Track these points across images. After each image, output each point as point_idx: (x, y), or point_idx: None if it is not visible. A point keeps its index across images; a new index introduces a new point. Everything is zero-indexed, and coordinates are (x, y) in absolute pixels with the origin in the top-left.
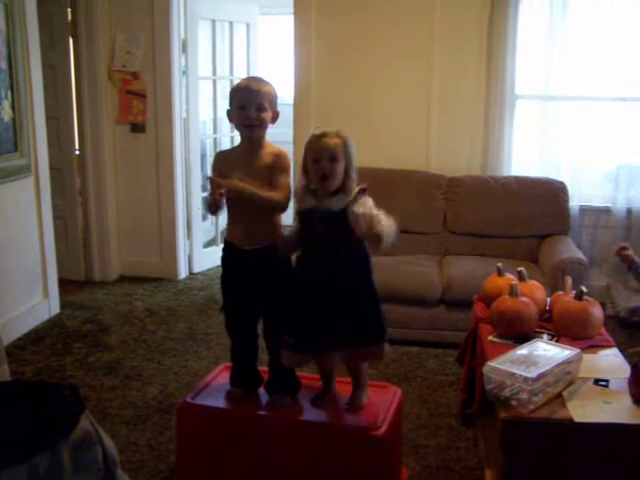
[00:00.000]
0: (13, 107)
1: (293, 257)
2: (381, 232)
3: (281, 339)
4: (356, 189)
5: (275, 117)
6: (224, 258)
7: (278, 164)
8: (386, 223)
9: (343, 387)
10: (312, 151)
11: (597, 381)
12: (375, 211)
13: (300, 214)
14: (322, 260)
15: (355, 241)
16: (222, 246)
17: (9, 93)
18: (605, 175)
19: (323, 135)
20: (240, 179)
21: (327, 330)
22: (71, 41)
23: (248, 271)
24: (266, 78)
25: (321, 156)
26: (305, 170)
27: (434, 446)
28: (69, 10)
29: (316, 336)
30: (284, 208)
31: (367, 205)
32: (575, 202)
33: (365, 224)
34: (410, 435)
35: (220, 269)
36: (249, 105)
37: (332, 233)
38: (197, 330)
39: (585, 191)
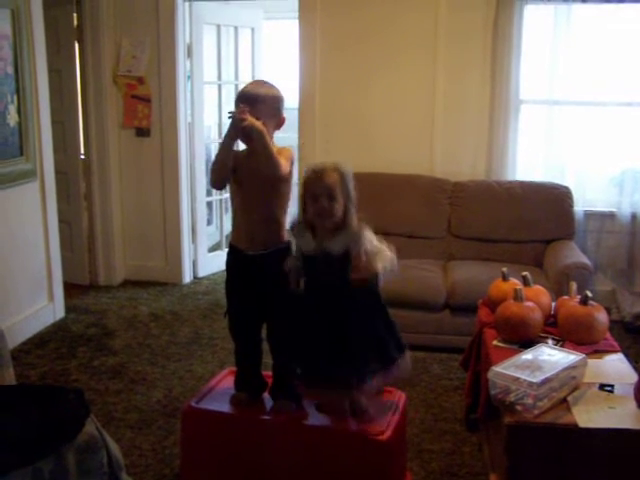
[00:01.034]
0: (19, 111)
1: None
2: (378, 271)
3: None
4: (356, 227)
5: (280, 123)
6: (229, 262)
7: (281, 152)
8: (383, 259)
9: None
10: (310, 188)
11: (602, 386)
12: (376, 243)
13: (302, 255)
14: (327, 297)
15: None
16: (227, 250)
17: (15, 97)
18: (610, 180)
19: (321, 171)
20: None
21: (357, 369)
22: (77, 46)
23: (253, 275)
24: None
25: (319, 194)
26: (304, 205)
27: (439, 451)
28: (75, 15)
29: (349, 376)
30: (277, 171)
31: (368, 241)
32: (580, 207)
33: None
34: (414, 440)
35: (225, 273)
36: (253, 112)
37: (336, 272)
38: (202, 334)
39: (590, 196)
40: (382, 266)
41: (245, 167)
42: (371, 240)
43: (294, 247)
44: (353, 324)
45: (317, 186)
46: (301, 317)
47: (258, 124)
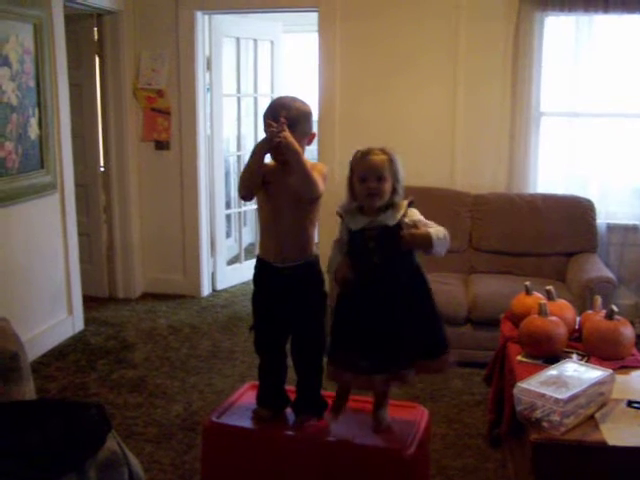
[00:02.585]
0: (40, 125)
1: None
2: (430, 234)
3: (349, 364)
4: (405, 203)
5: (312, 139)
6: (256, 276)
7: (314, 168)
8: (436, 228)
9: (358, 405)
10: (359, 170)
11: (631, 403)
12: (424, 220)
13: (351, 234)
14: (379, 279)
15: (409, 255)
16: (246, 263)
17: (36, 111)
18: (632, 192)
19: (369, 152)
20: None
21: (401, 349)
22: (97, 60)
23: (281, 289)
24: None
25: (368, 175)
26: (351, 188)
27: (461, 467)
28: (95, 29)
29: (392, 357)
30: (315, 193)
31: (418, 215)
32: (602, 219)
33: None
34: (436, 456)
35: (244, 286)
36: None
37: (387, 248)
38: (221, 348)
39: (612, 209)
40: (435, 232)
41: (278, 181)
42: (421, 216)
43: (340, 229)
44: (403, 306)
45: (365, 167)
46: (356, 312)
47: (294, 143)
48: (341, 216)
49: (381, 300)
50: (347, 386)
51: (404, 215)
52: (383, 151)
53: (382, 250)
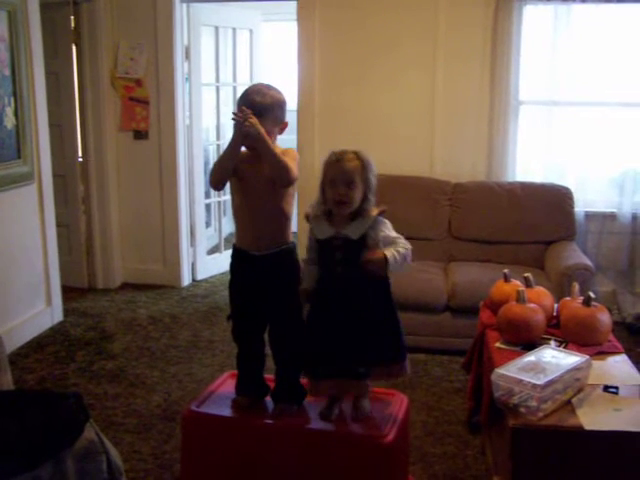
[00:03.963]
0: (16, 114)
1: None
2: (387, 259)
3: (307, 370)
4: (374, 213)
5: (284, 127)
6: (233, 264)
7: (286, 154)
8: (393, 250)
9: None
10: (330, 173)
11: (607, 388)
12: (394, 234)
13: (318, 242)
14: (343, 288)
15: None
16: (226, 253)
17: (12, 100)
18: (610, 181)
19: (342, 157)
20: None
21: (358, 358)
22: (74, 48)
23: (258, 277)
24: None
25: (338, 180)
26: (323, 190)
27: (441, 454)
28: (72, 17)
29: (348, 364)
30: (288, 178)
31: (385, 228)
32: (580, 208)
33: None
34: (416, 443)
35: (224, 276)
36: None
37: (352, 260)
38: (201, 337)
39: (590, 197)
40: (392, 254)
41: (250, 169)
42: (389, 230)
43: (309, 235)
44: (368, 311)
45: (336, 172)
46: (317, 311)
47: (262, 131)
48: (309, 221)
49: (342, 308)
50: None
51: (371, 227)
52: (357, 156)
53: (346, 261)
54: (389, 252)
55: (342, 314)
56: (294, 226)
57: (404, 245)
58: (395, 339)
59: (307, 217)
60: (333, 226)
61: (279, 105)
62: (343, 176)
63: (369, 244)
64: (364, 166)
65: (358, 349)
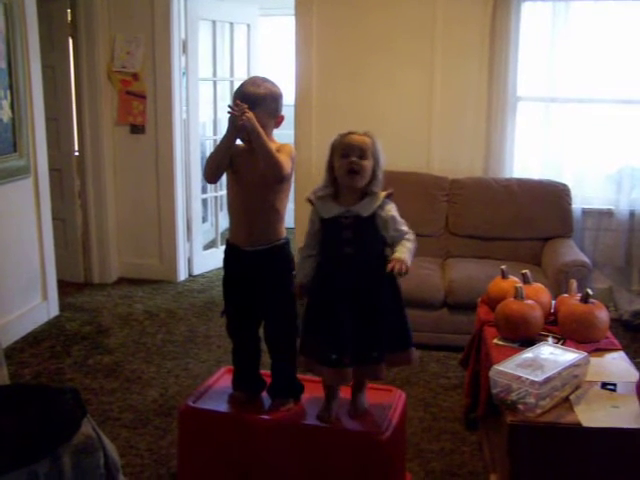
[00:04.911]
0: (12, 107)
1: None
2: (406, 261)
3: (320, 358)
4: (382, 194)
5: (279, 121)
6: (226, 260)
7: (281, 149)
8: (407, 246)
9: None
10: (340, 147)
11: (604, 385)
12: (398, 218)
13: (324, 223)
14: (351, 269)
15: (380, 246)
16: (222, 248)
17: (8, 93)
18: (607, 177)
19: (351, 132)
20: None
21: (370, 342)
22: (71, 41)
23: (251, 273)
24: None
25: (350, 151)
26: (330, 169)
27: (438, 450)
28: (69, 10)
29: (360, 350)
30: (280, 174)
31: (393, 211)
32: (578, 204)
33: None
34: (413, 439)
35: (220, 271)
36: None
37: (360, 239)
38: (197, 333)
39: (588, 193)
40: (406, 256)
41: (245, 163)
42: (397, 213)
43: (310, 218)
44: (377, 294)
45: (348, 143)
46: (327, 304)
47: (257, 125)
48: (312, 203)
49: (350, 292)
50: (330, 384)
51: (380, 207)
52: (366, 134)
53: (355, 240)
54: (403, 255)
55: (350, 295)
56: (290, 222)
57: (409, 238)
58: (402, 323)
59: (309, 200)
60: (341, 205)
61: (273, 97)
62: (355, 146)
63: (378, 225)
64: (374, 142)
65: (371, 332)
